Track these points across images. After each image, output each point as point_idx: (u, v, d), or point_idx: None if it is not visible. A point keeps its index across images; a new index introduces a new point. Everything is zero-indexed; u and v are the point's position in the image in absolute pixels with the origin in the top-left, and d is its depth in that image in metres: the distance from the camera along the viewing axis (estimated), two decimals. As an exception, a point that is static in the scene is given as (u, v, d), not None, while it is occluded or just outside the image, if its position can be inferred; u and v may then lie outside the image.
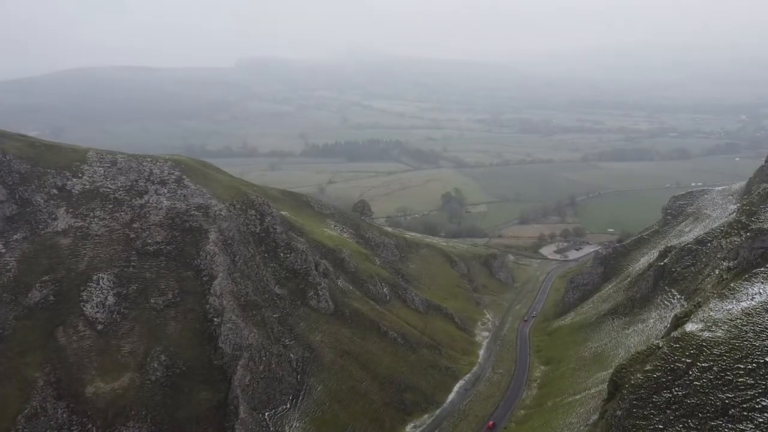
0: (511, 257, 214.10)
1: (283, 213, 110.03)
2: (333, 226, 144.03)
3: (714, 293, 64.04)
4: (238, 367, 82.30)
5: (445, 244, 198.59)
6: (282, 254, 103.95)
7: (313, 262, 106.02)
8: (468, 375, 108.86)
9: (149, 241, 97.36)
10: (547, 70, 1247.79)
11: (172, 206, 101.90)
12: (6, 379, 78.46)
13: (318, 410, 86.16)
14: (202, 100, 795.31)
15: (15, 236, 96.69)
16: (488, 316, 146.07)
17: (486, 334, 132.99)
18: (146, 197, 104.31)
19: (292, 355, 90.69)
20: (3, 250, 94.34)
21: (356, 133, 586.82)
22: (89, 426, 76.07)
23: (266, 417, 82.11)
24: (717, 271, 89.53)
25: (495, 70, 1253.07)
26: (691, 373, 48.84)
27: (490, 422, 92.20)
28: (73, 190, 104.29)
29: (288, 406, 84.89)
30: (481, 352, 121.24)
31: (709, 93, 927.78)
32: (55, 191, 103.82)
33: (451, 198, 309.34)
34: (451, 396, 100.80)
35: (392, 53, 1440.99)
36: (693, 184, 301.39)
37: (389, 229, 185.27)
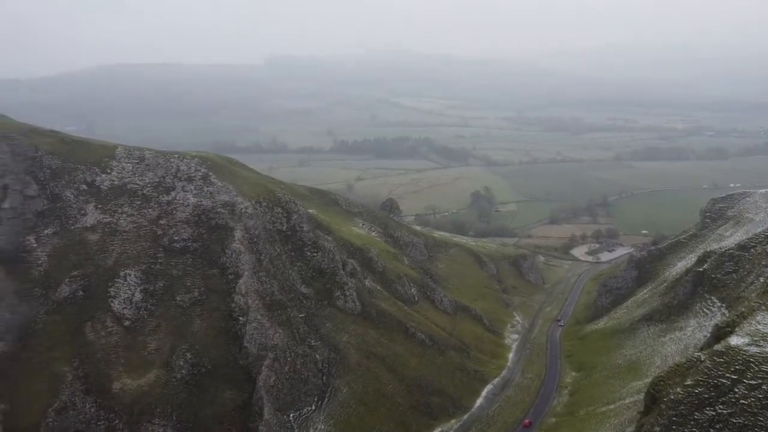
0: (541, 258, 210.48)
1: (310, 211, 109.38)
2: (361, 224, 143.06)
3: (761, 303, 60.86)
4: (263, 368, 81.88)
5: (473, 243, 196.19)
6: (308, 253, 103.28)
7: (340, 262, 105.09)
8: (497, 379, 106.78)
9: (176, 238, 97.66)
10: (565, 68, 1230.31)
11: (199, 203, 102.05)
12: (36, 373, 79.61)
13: (343, 412, 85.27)
14: (231, 97, 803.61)
15: (46, 231, 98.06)
16: (517, 318, 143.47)
17: (515, 336, 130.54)
18: (173, 194, 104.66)
19: (317, 355, 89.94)
20: (35, 245, 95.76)
21: (384, 130, 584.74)
22: (116, 421, 76.60)
23: (291, 418, 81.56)
24: (762, 279, 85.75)
25: (515, 68, 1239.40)
26: (736, 390, 46.24)
27: (526, 420, 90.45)
28: (102, 186, 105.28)
29: (313, 407, 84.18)
30: (510, 356, 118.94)
31: (730, 91, 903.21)
32: (84, 187, 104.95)
33: (480, 197, 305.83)
34: (479, 401, 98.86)
35: (415, 51, 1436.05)
36: (731, 185, 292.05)
37: (418, 228, 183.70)
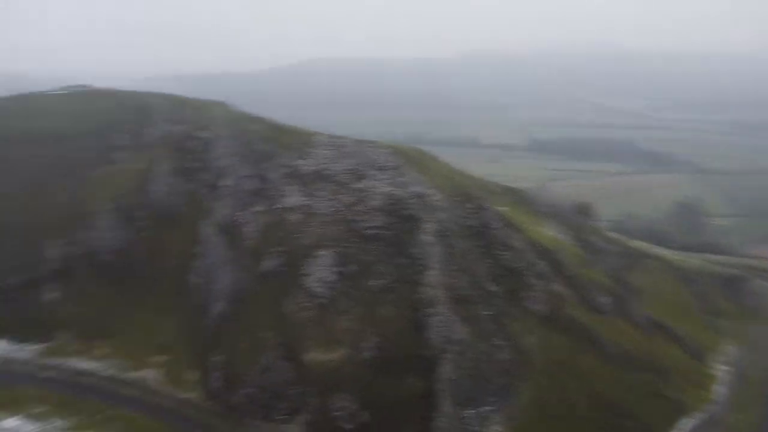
0: (760, 281, 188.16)
1: (501, 208, 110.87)
2: (552, 226, 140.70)
3: None
4: (446, 361, 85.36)
5: (675, 257, 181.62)
6: (498, 251, 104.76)
7: (529, 262, 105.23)
8: (698, 413, 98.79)
9: (368, 224, 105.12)
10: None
11: (391, 192, 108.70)
12: (244, 334, 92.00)
13: (522, 417, 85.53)
14: (425, 91, 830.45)
15: (255, 209, 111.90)
16: (728, 346, 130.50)
17: (725, 367, 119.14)
18: (366, 182, 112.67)
19: (501, 355, 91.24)
20: (246, 221, 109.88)
21: (582, 130, 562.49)
22: (307, 389, 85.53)
23: (469, 415, 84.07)
24: None
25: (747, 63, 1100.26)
26: None
27: None
28: (302, 171, 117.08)
29: (492, 407, 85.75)
30: (718, 388, 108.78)
31: None
32: (288, 170, 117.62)
33: (685, 207, 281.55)
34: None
35: (627, 47, 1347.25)
36: None
37: (612, 235, 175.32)
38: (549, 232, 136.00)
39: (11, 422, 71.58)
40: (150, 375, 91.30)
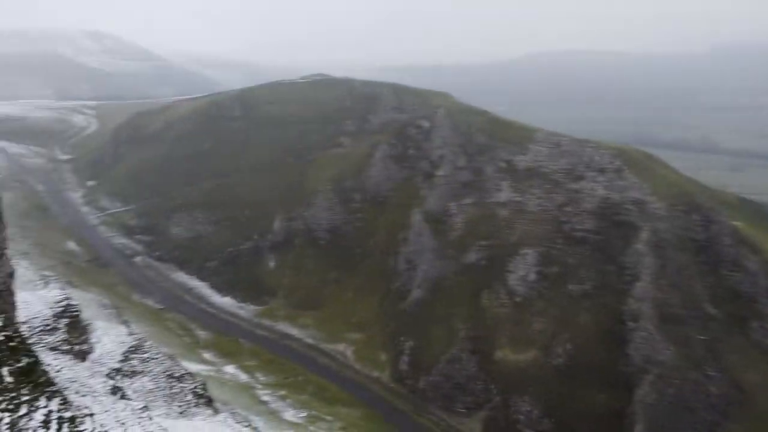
0: None
1: (735, 223, 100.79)
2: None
3: None
4: (645, 382, 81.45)
5: None
6: (725, 270, 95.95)
7: (764, 288, 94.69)
8: None
9: (577, 227, 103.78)
10: None
11: (607, 196, 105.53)
12: (439, 323, 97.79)
13: (730, 463, 78.90)
14: (663, 88, 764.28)
15: (466, 200, 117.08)
16: None
17: None
18: (582, 183, 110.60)
19: (713, 388, 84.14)
20: (455, 211, 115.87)
21: None
22: (491, 386, 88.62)
23: (665, 446, 79.98)
24: None
25: None
26: None
27: None
28: (517, 167, 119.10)
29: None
30: None
31: None
32: (503, 165, 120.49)
33: None
34: None
35: None
36: None
37: None
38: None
39: (230, 369, 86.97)
40: (345, 349, 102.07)
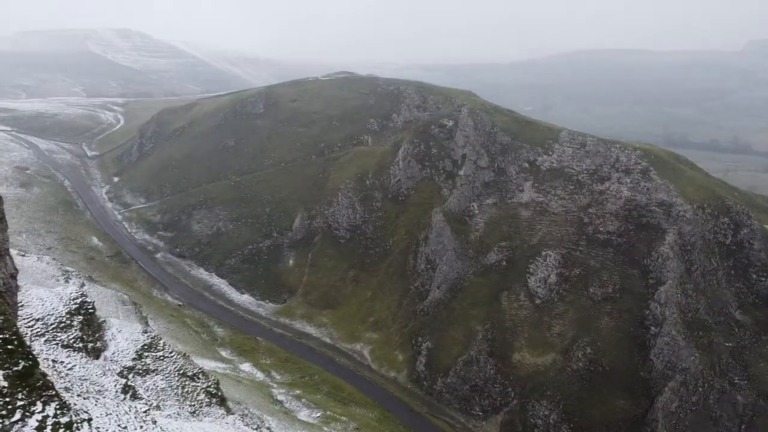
0: None
1: (766, 227, 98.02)
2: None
3: None
4: (667, 389, 79.49)
5: None
6: (755, 275, 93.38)
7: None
8: None
9: (601, 229, 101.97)
10: None
11: (632, 198, 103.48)
12: (457, 324, 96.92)
13: (756, 475, 76.71)
14: (695, 86, 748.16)
15: (487, 201, 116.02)
16: None
17: None
18: (607, 184, 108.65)
19: (739, 397, 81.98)
20: (476, 212, 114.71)
21: None
22: (509, 389, 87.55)
23: (688, 455, 78.12)
24: None
25: None
26: None
27: None
28: (541, 167, 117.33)
29: (719, 454, 78.41)
30: None
31: None
32: (526, 165, 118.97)
33: None
34: None
35: None
36: None
37: None
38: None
39: (246, 367, 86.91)
40: (362, 349, 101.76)
